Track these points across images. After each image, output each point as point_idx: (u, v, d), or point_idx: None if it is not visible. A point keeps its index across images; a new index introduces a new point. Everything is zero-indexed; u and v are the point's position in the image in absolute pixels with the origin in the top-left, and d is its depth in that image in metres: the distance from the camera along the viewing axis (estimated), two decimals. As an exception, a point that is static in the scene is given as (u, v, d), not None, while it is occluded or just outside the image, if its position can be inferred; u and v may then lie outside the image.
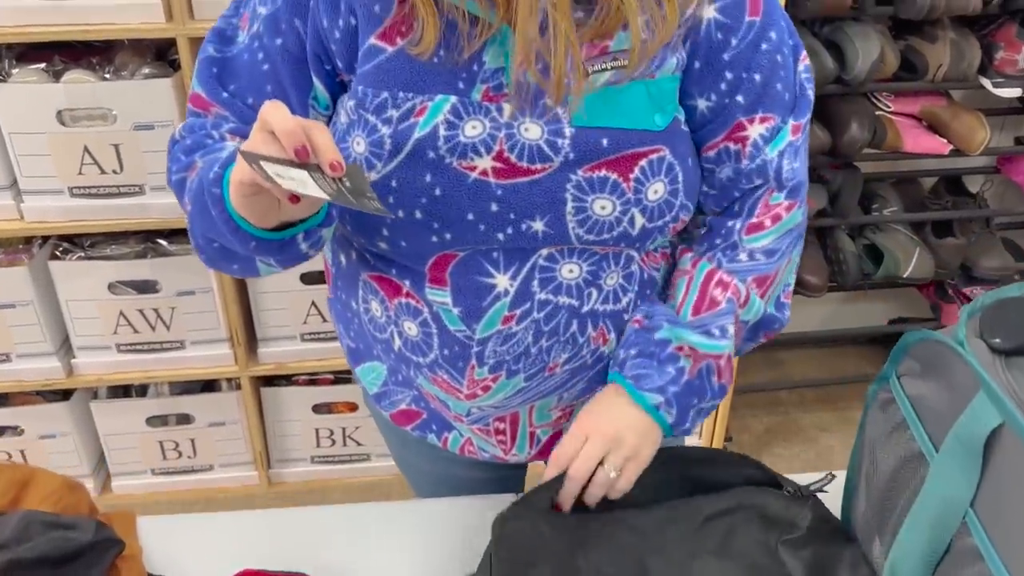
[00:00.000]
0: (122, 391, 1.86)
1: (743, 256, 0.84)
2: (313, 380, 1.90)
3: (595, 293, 0.81)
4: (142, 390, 1.87)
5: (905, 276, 1.99)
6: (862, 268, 2.03)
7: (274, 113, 0.62)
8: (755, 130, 0.80)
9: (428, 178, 0.74)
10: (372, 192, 0.63)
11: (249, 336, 1.80)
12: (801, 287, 2.00)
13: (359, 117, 0.75)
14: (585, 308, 0.81)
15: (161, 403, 1.86)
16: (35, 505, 0.88)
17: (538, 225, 0.76)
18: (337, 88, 0.79)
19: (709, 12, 0.75)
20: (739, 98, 0.79)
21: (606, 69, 0.73)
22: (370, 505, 0.97)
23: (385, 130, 0.74)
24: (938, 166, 2.19)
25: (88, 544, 0.82)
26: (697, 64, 0.77)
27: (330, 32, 0.75)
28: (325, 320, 1.78)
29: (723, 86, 0.78)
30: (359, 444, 1.97)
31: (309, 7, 0.75)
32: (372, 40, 0.74)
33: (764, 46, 0.78)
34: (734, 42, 0.76)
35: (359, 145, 0.75)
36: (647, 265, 0.84)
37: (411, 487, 1.12)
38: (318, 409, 1.91)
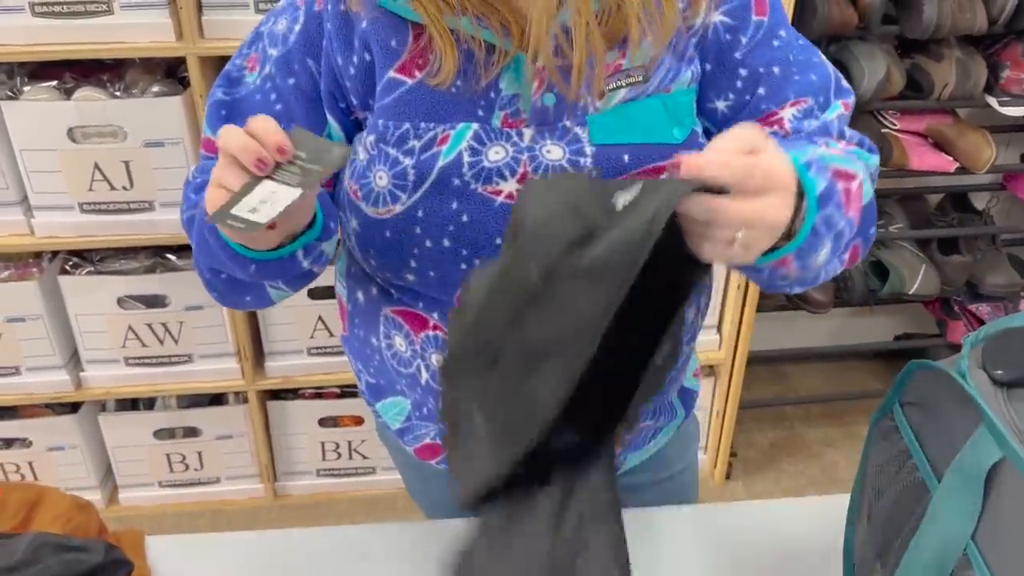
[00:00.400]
0: (130, 404, 1.88)
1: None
2: (319, 394, 1.91)
3: None
4: (150, 403, 1.88)
5: (911, 293, 2.00)
6: (868, 284, 2.04)
7: (227, 137, 0.64)
8: (789, 112, 0.78)
9: (455, 205, 0.75)
10: (328, 144, 0.64)
11: (256, 350, 1.81)
12: (807, 303, 2.01)
13: (379, 152, 0.76)
14: None
15: (169, 416, 1.87)
16: (45, 526, 0.88)
17: None
18: (351, 126, 0.80)
19: (715, 17, 0.76)
20: (761, 91, 0.78)
21: (621, 86, 0.74)
22: (383, 525, 0.97)
23: (408, 161, 0.74)
24: (945, 183, 2.19)
25: (98, 566, 0.82)
26: (709, 67, 0.78)
27: (345, 69, 0.76)
28: (332, 334, 1.79)
29: (739, 84, 0.78)
30: (364, 457, 1.98)
31: (322, 47, 0.76)
32: (391, 74, 0.75)
33: (776, 43, 0.78)
34: (744, 40, 0.77)
35: (381, 179, 0.75)
36: None
37: (427, 516, 1.12)
38: (324, 423, 1.92)
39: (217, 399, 1.90)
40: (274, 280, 0.76)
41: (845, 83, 0.82)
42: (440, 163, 0.74)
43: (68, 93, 1.57)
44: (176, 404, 1.88)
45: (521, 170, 0.74)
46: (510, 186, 0.74)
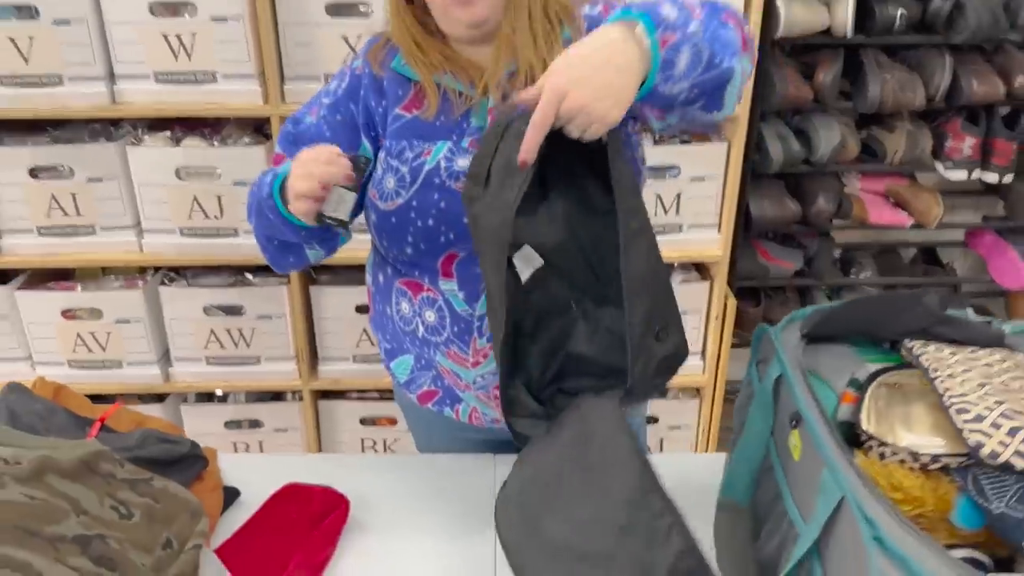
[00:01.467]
0: (207, 397, 2.27)
1: None
2: (362, 396, 2.28)
3: None
4: (223, 397, 2.27)
5: (875, 332, 2.29)
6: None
7: (308, 160, 1.03)
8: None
9: (435, 196, 1.11)
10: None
11: (312, 355, 2.20)
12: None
13: (388, 164, 1.14)
14: None
15: (237, 409, 2.25)
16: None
17: None
18: (377, 146, 1.18)
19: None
20: None
21: None
22: (395, 456, 1.32)
23: (405, 169, 1.12)
24: (922, 239, 2.49)
25: (185, 455, 1.18)
26: None
27: (375, 109, 1.16)
28: (373, 344, 2.16)
29: None
30: (395, 453, 2.32)
31: (360, 95, 1.16)
32: (397, 111, 1.14)
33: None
34: None
35: (389, 183, 1.13)
36: None
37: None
38: (365, 422, 2.27)
39: (277, 396, 2.28)
40: (311, 242, 1.14)
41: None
42: (426, 168, 1.11)
43: (177, 141, 2.01)
44: (244, 399, 2.26)
45: None
46: None
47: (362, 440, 2.30)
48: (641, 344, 0.95)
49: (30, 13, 1.84)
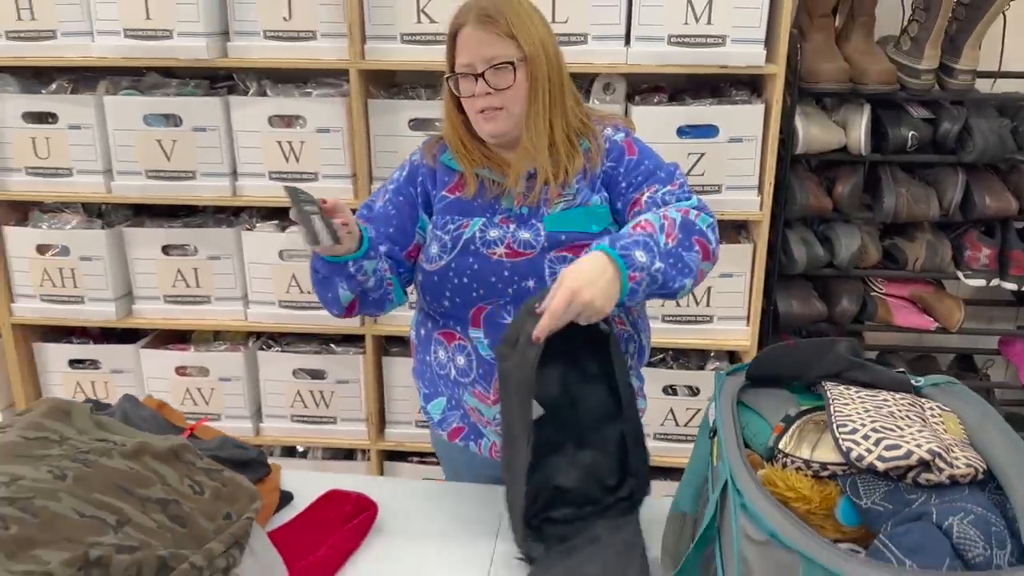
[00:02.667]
0: (289, 451, 2.58)
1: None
2: (423, 460, 2.54)
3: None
4: (303, 452, 2.58)
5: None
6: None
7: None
8: (645, 195, 1.38)
9: (470, 260, 1.41)
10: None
11: (380, 418, 2.49)
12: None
13: (434, 234, 1.45)
14: None
15: (314, 464, 2.55)
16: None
17: (530, 283, 1.40)
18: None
19: (607, 165, 1.42)
20: (633, 192, 1.40)
21: (560, 203, 1.41)
22: (426, 483, 1.58)
23: (447, 238, 1.43)
24: (957, 344, 2.62)
25: (253, 460, 1.46)
26: (609, 189, 1.42)
27: (431, 190, 1.48)
28: (435, 412, 2.44)
29: (622, 189, 1.41)
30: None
31: (418, 179, 1.49)
32: (443, 193, 1.46)
33: (641, 167, 1.41)
34: (622, 170, 1.42)
35: (434, 248, 1.44)
36: None
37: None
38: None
39: (349, 454, 2.57)
40: (339, 279, 1.38)
41: (679, 174, 1.43)
42: (464, 237, 1.42)
43: (283, 229, 2.40)
44: (321, 455, 2.56)
45: (507, 241, 1.41)
46: (501, 250, 1.41)
47: (421, 500, 2.54)
48: (639, 470, 1.36)
49: (175, 121, 2.30)
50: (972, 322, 2.47)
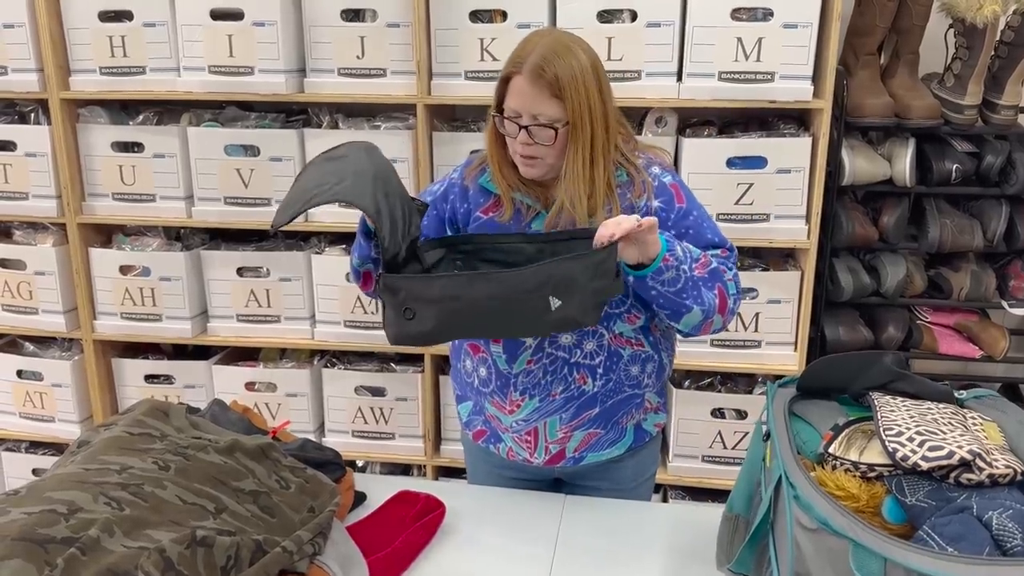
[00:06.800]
0: (349, 466, 2.68)
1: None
2: (477, 477, 2.63)
3: (579, 352, 1.51)
4: (363, 468, 2.69)
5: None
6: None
7: None
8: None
9: None
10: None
11: (436, 434, 2.59)
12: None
13: None
14: (573, 360, 1.51)
15: (373, 479, 2.65)
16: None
17: None
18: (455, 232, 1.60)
19: (655, 203, 1.50)
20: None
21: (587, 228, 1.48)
22: (488, 488, 1.68)
23: None
24: (1003, 374, 2.66)
25: (331, 460, 1.57)
26: None
27: (459, 209, 1.57)
28: (490, 430, 2.54)
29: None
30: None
31: (450, 199, 1.59)
32: (477, 213, 1.56)
33: (689, 219, 1.50)
34: (672, 216, 1.51)
35: None
36: (614, 343, 1.52)
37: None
38: (478, 500, 2.62)
39: (406, 470, 2.68)
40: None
41: (732, 245, 1.54)
42: None
43: (347, 252, 2.53)
44: (379, 470, 2.67)
45: None
46: None
47: (474, 516, 2.63)
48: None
49: (253, 152, 2.46)
50: (1017, 351, 2.51)
